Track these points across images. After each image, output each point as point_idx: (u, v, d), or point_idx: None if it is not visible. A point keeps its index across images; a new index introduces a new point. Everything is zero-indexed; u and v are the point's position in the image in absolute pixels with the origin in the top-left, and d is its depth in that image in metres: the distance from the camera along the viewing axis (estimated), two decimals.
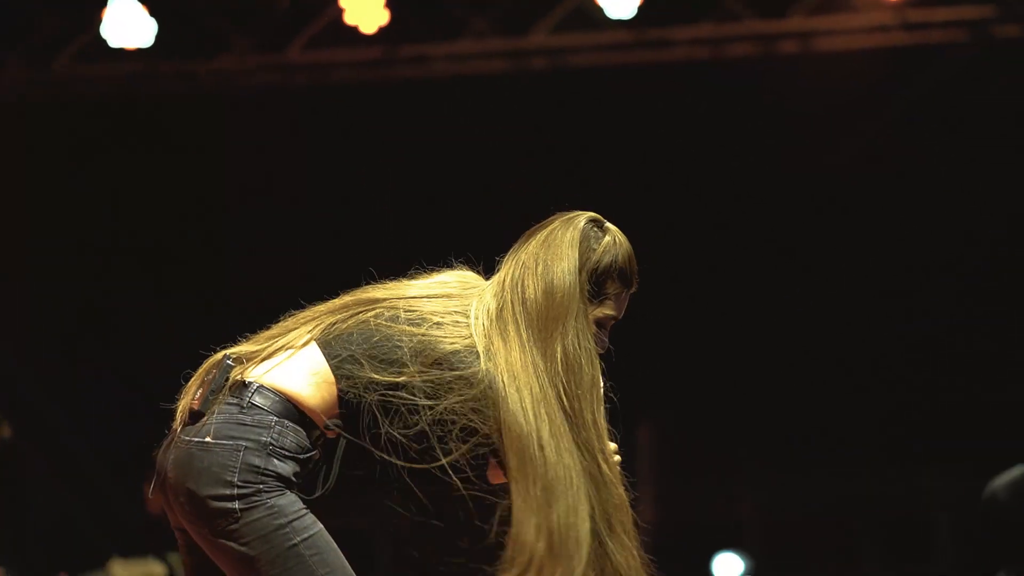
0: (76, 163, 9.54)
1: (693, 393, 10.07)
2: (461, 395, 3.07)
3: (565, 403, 3.08)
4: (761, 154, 9.33)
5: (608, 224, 3.26)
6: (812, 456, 10.28)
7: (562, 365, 3.09)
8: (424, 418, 3.07)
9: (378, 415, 3.07)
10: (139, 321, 9.56)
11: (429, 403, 3.07)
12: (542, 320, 3.11)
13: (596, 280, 3.20)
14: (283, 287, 3.59)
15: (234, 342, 3.20)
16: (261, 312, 3.33)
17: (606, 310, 3.22)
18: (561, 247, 3.17)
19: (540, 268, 3.15)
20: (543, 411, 3.06)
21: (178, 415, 3.14)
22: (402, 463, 3.09)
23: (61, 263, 9.67)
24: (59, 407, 9.52)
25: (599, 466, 3.07)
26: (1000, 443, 7.65)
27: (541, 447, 3.03)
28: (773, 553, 10.57)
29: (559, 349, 3.10)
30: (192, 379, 3.18)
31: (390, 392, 3.07)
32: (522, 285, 3.15)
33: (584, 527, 3.01)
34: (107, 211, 9.78)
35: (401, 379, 3.07)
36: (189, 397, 3.14)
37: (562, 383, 3.09)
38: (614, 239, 3.23)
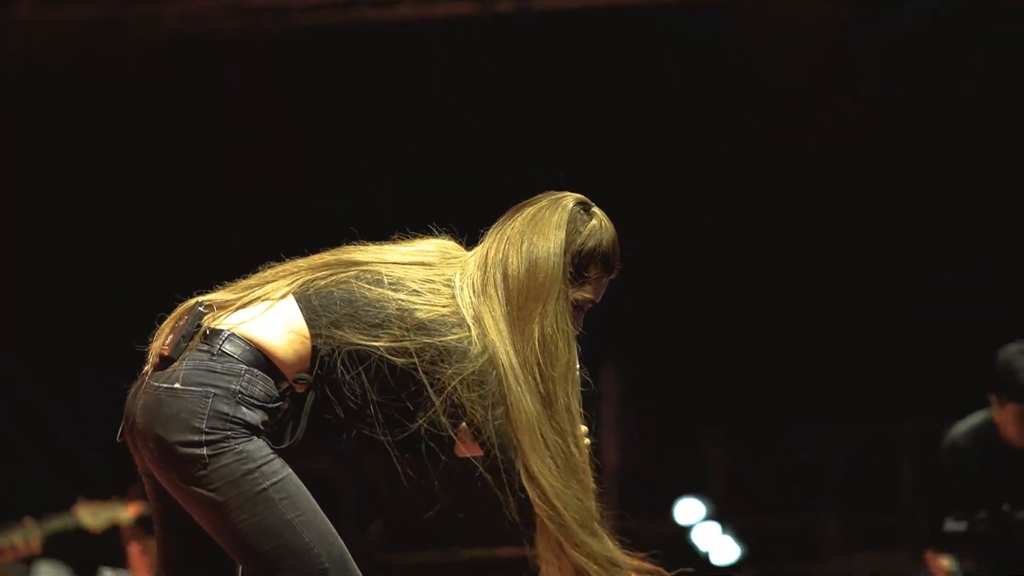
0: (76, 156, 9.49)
1: (659, 338, 10.09)
2: (444, 364, 3.08)
3: (539, 385, 3.10)
4: (731, 107, 9.32)
5: (595, 208, 3.27)
6: (779, 404, 10.34)
7: (539, 345, 3.11)
8: (398, 382, 3.10)
9: (350, 375, 3.08)
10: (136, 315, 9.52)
11: (402, 362, 3.08)
12: (523, 298, 3.13)
13: (579, 263, 3.22)
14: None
15: (210, 289, 3.20)
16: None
17: (585, 293, 3.23)
18: (548, 227, 3.18)
19: (525, 246, 3.16)
20: (523, 390, 3.08)
21: (148, 359, 3.14)
22: (370, 430, 3.11)
23: (55, 255, 9.62)
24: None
25: (569, 450, 3.09)
26: (962, 392, 7.71)
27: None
28: (737, 498, 10.63)
29: (536, 330, 3.11)
30: (164, 324, 3.18)
31: (367, 353, 3.07)
32: (505, 261, 3.16)
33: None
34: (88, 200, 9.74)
35: (379, 343, 3.07)
36: (160, 342, 3.15)
37: (538, 364, 3.10)
38: (600, 223, 3.24)
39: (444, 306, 3.12)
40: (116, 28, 8.43)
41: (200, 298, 3.19)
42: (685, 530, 10.40)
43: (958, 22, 8.82)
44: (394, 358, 3.07)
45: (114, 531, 7.17)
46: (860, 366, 10.25)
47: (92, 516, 7.01)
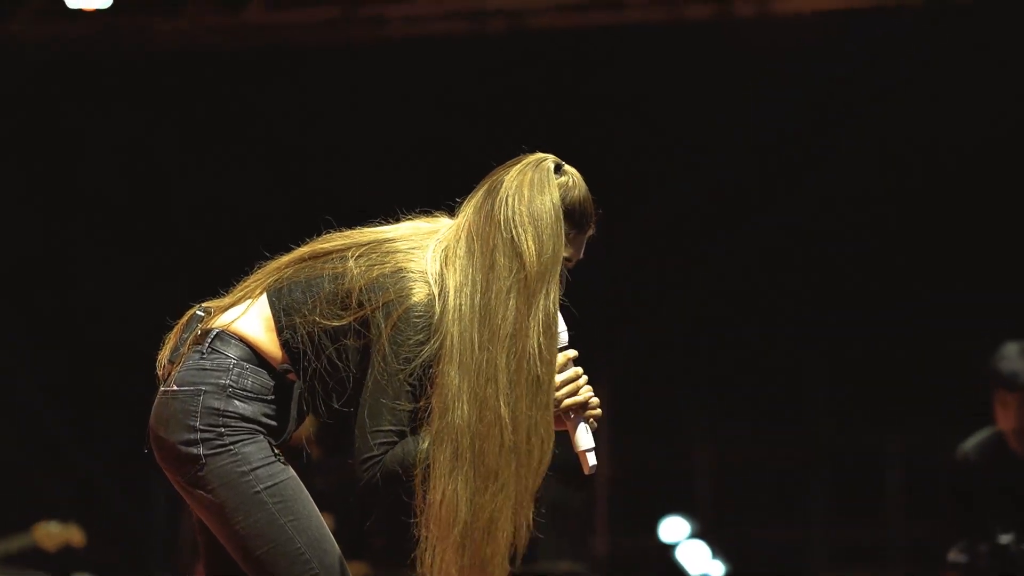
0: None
1: (645, 345, 10.12)
2: (407, 337, 3.04)
3: (537, 367, 3.07)
4: (721, 110, 9.37)
5: (566, 166, 3.23)
6: (765, 410, 10.36)
7: (543, 326, 3.08)
8: (358, 360, 3.09)
9: (320, 359, 3.09)
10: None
11: (364, 331, 3.08)
12: (532, 276, 3.08)
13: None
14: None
15: (215, 296, 3.26)
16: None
17: (566, 252, 3.17)
18: (533, 191, 3.13)
19: (518, 217, 3.10)
20: (496, 372, 3.05)
21: (158, 370, 3.20)
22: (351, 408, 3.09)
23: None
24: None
25: (526, 437, 3.05)
26: (950, 401, 7.75)
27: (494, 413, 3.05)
28: (724, 508, 10.64)
29: (541, 307, 3.08)
30: (170, 334, 3.23)
31: (333, 333, 3.08)
32: (498, 231, 3.10)
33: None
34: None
35: (343, 322, 3.08)
36: (164, 351, 3.21)
37: (537, 344, 3.07)
38: (572, 179, 3.20)
39: (420, 279, 3.08)
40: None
41: (199, 304, 3.24)
42: (669, 548, 10.41)
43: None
44: (344, 322, 3.07)
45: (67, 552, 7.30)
46: (848, 374, 10.29)
47: (48, 537, 7.12)
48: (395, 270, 3.08)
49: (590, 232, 3.24)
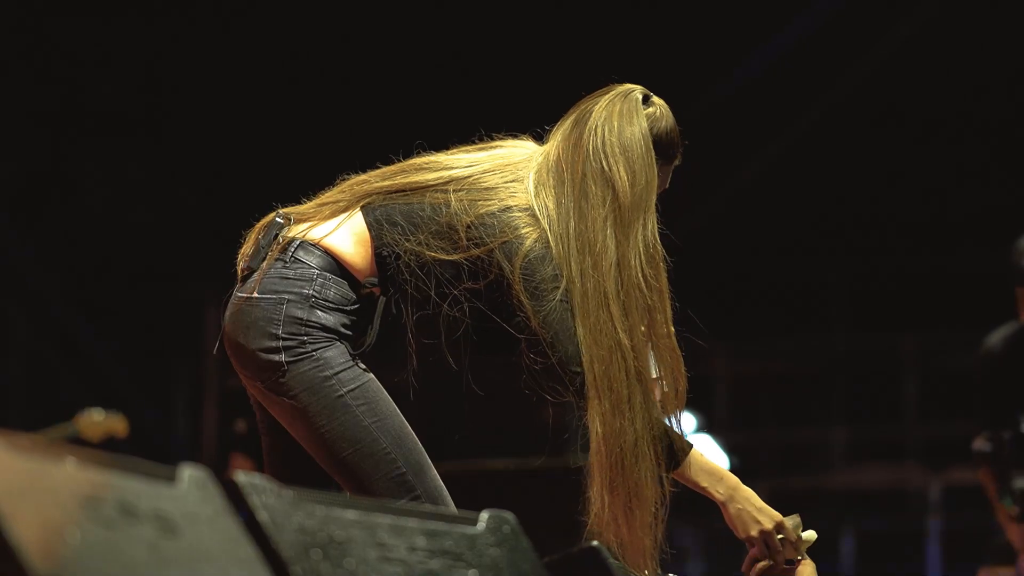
0: None
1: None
2: (544, 276, 3.08)
3: (646, 296, 3.10)
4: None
5: (653, 96, 3.23)
6: (781, 316, 10.41)
7: (645, 256, 3.10)
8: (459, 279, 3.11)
9: (414, 278, 3.11)
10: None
11: (463, 261, 3.10)
12: (626, 206, 3.11)
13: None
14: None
15: (296, 202, 3.25)
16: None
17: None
18: (623, 122, 3.14)
19: (608, 147, 3.12)
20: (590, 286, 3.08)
21: (238, 273, 3.20)
22: (436, 330, 3.13)
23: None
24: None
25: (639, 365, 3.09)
26: (964, 306, 7.79)
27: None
28: (742, 407, 10.70)
29: (640, 237, 3.10)
30: (248, 236, 3.23)
31: (431, 258, 3.11)
32: (588, 161, 3.11)
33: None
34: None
35: (452, 257, 3.10)
36: (245, 248, 3.21)
37: (642, 274, 3.09)
38: (659, 110, 3.20)
39: (519, 208, 3.11)
40: None
41: (280, 210, 3.23)
42: None
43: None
44: (453, 257, 3.10)
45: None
46: (865, 280, 10.34)
47: (90, 427, 7.11)
48: (502, 208, 3.10)
49: (676, 163, 3.25)
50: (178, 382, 9.98)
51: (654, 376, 3.17)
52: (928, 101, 9.88)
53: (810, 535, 3.14)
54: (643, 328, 3.09)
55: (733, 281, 10.60)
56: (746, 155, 10.20)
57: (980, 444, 5.70)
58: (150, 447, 9.61)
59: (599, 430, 3.05)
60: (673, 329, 3.14)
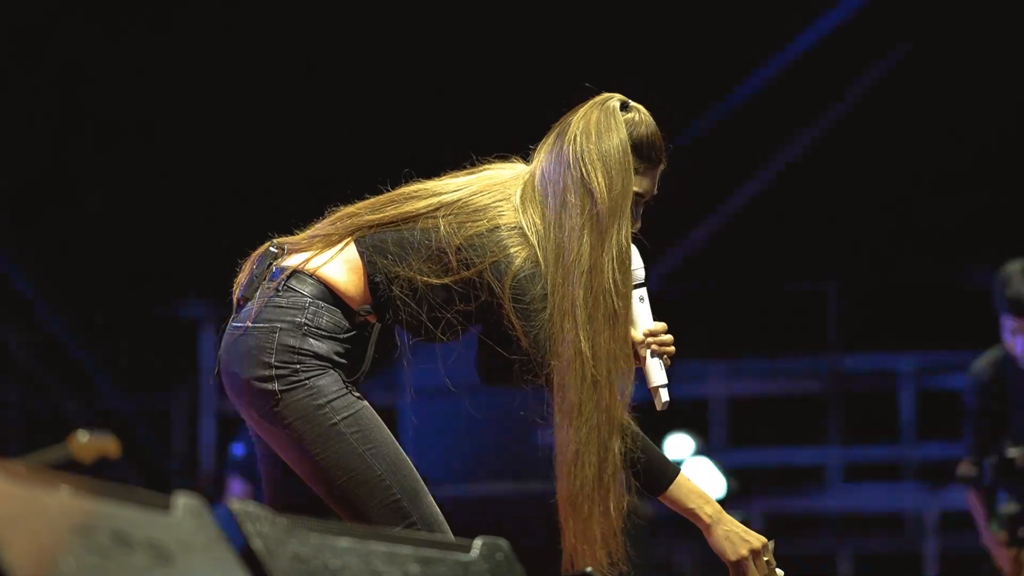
0: None
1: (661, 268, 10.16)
2: (534, 295, 3.11)
3: (613, 301, 3.12)
4: None
5: (632, 102, 3.25)
6: (778, 336, 10.40)
7: (617, 262, 3.12)
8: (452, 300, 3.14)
9: (408, 305, 3.13)
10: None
11: (455, 285, 3.13)
12: (603, 212, 3.13)
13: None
14: None
15: (288, 233, 3.27)
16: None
17: (639, 187, 3.22)
18: (600, 129, 3.17)
19: (586, 155, 3.14)
20: (597, 314, 3.10)
21: (234, 301, 3.22)
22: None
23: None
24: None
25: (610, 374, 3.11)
26: (960, 325, 7.79)
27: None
28: (738, 429, 10.67)
29: (615, 242, 3.13)
30: (243, 266, 3.25)
31: (423, 283, 3.12)
32: (568, 171, 3.15)
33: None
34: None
35: (444, 281, 3.13)
36: (240, 278, 3.22)
37: (614, 278, 3.12)
38: (638, 115, 3.23)
39: (508, 226, 3.13)
40: None
41: (274, 240, 3.26)
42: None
43: None
44: (445, 281, 3.12)
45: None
46: (862, 299, 10.34)
47: (83, 448, 7.13)
48: (490, 228, 3.13)
49: (662, 167, 3.27)
50: (176, 404, 9.98)
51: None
52: (925, 119, 9.89)
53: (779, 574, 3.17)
54: (606, 334, 3.10)
55: (730, 302, 10.61)
56: (743, 176, 10.21)
57: (966, 469, 5.76)
58: (148, 469, 9.61)
59: (555, 437, 3.10)
60: (629, 334, 3.16)
